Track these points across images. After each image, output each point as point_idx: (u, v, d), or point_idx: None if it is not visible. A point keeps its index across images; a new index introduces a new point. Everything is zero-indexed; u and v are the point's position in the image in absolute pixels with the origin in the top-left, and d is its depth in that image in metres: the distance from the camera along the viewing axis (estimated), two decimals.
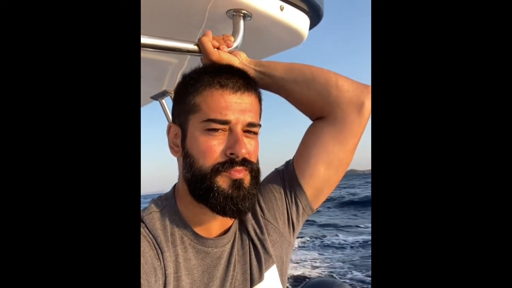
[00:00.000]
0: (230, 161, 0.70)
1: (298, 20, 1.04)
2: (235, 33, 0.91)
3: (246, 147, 0.71)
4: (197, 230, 0.75)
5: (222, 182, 0.71)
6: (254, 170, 0.74)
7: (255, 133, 0.76)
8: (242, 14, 0.92)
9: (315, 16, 1.09)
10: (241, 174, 0.72)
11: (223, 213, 0.71)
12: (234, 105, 0.72)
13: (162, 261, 0.69)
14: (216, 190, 0.70)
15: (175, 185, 0.81)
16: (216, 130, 0.70)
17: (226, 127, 0.71)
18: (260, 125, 0.76)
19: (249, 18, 0.94)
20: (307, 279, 3.38)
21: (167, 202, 0.78)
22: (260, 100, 0.79)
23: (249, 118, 0.73)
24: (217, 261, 0.75)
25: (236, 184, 0.71)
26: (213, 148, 0.70)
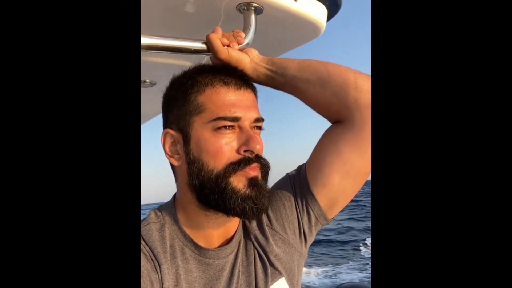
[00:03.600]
0: (245, 160, 0.68)
1: (315, 10, 0.96)
2: (246, 29, 0.86)
3: (260, 143, 0.69)
4: (198, 240, 0.72)
5: (238, 182, 0.68)
6: (265, 165, 0.72)
7: (261, 128, 0.74)
8: (253, 8, 0.86)
9: (332, 5, 1.01)
10: (256, 171, 0.70)
11: (244, 215, 0.68)
12: (239, 102, 0.70)
13: (159, 273, 0.67)
14: (232, 191, 0.67)
15: (174, 195, 0.79)
16: (226, 128, 0.68)
17: (236, 124, 0.69)
18: (264, 120, 0.74)
19: (261, 11, 0.88)
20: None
21: (166, 212, 0.75)
22: (257, 97, 0.77)
23: (255, 114, 0.71)
24: (219, 273, 0.72)
25: (253, 182, 0.69)
26: (224, 148, 0.67)
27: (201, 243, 0.72)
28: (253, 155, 0.69)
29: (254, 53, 0.82)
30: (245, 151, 0.68)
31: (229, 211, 0.68)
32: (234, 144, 0.68)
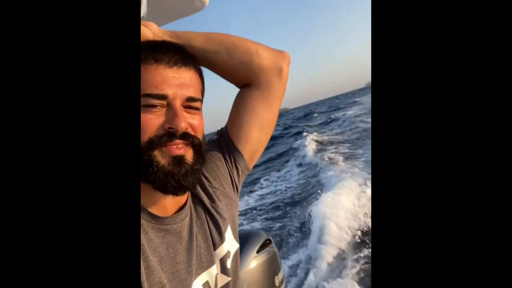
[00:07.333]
0: (168, 135, 0.69)
1: None
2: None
3: (187, 122, 0.70)
4: (154, 211, 0.74)
5: (161, 158, 0.69)
6: (196, 144, 0.73)
7: (197, 109, 0.74)
8: None
9: None
10: (182, 150, 0.71)
11: (164, 190, 0.70)
12: (171, 79, 0.70)
13: None
14: (155, 165, 0.68)
15: None
16: (153, 106, 0.68)
17: (164, 102, 0.69)
18: (201, 100, 0.76)
19: None
20: None
21: None
22: (200, 75, 0.79)
23: (188, 92, 0.72)
24: (179, 235, 0.77)
25: (176, 160, 0.70)
26: (149, 122, 0.68)
27: (157, 213, 0.75)
28: (178, 133, 0.69)
29: (154, 26, 0.83)
30: (169, 128, 0.69)
31: (152, 183, 0.69)
32: (160, 120, 0.69)
